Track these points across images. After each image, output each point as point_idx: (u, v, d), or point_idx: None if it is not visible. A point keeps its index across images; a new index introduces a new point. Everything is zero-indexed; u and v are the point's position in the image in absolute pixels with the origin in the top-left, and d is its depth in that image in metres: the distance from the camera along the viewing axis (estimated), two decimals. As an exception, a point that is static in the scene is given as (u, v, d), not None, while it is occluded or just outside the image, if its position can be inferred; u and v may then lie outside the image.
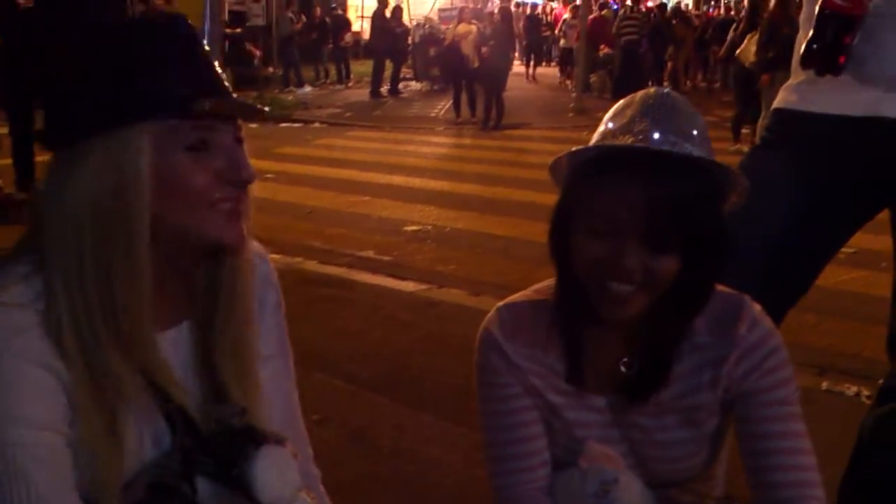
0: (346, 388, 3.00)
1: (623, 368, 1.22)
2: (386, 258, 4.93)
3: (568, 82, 16.93)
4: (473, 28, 12.25)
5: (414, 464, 2.47)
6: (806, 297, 1.68)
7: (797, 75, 1.64)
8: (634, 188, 1.07)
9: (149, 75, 0.96)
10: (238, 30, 14.45)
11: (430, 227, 5.74)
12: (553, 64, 21.62)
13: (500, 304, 1.29)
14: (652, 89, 1.16)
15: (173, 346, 1.07)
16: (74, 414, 0.97)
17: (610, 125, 1.14)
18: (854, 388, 2.95)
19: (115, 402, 0.98)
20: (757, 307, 1.21)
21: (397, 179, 7.55)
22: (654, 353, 1.19)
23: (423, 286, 4.29)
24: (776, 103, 1.68)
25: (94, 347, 0.96)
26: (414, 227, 5.73)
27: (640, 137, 1.09)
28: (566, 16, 18.61)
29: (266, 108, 1.04)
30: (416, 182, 7.51)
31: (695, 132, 1.11)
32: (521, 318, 1.26)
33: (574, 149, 1.13)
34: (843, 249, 1.73)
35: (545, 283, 1.28)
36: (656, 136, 1.08)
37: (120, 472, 1.00)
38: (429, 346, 3.40)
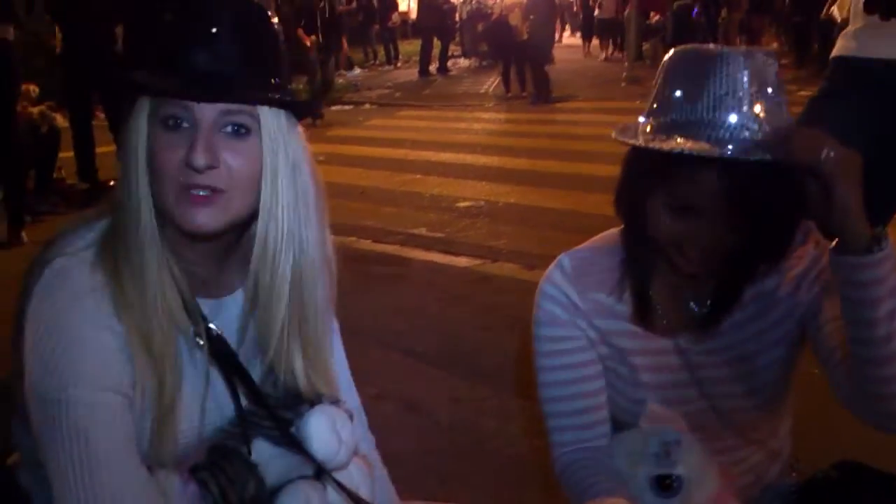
0: (402, 362, 3.03)
1: (694, 307, 1.22)
2: (439, 235, 4.94)
3: (607, 54, 16.40)
4: (519, -1, 12.10)
5: (471, 435, 2.48)
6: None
7: (856, 21, 1.58)
8: (711, 177, 1.05)
9: (159, 51, 0.98)
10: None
11: (482, 203, 5.72)
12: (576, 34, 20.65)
13: (561, 255, 1.28)
14: (712, 47, 1.09)
15: (227, 312, 1.10)
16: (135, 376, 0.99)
17: (678, 94, 1.09)
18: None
19: (164, 367, 1.00)
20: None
21: (448, 157, 7.53)
22: (726, 290, 1.20)
23: (477, 261, 4.29)
24: (835, 51, 1.63)
25: (142, 309, 0.99)
26: (466, 204, 5.72)
27: (714, 133, 1.04)
28: None
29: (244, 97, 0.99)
30: (467, 158, 7.48)
31: (765, 100, 1.05)
32: (586, 263, 1.26)
33: (643, 144, 1.10)
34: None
35: (603, 235, 1.29)
36: (733, 119, 1.04)
37: (174, 435, 1.02)
38: (483, 319, 3.41)
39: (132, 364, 0.98)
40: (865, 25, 1.56)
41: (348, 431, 1.10)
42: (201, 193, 0.96)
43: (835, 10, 7.84)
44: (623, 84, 12.17)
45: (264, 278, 1.05)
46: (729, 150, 1.03)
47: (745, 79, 1.05)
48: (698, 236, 1.09)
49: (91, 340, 0.96)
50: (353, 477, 1.12)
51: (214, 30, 0.96)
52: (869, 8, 1.49)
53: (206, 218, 0.97)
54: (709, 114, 1.05)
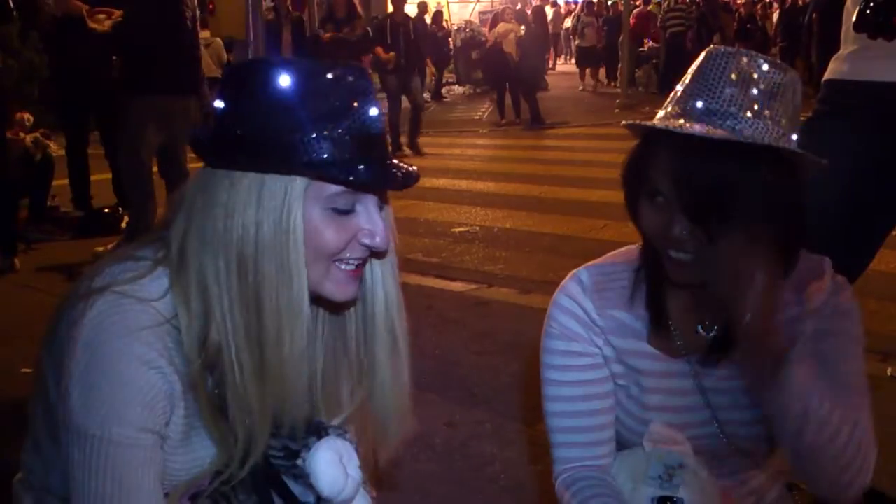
0: (397, 387, 3.00)
1: (702, 331, 1.20)
2: (434, 259, 4.93)
3: (588, 82, 16.16)
4: (513, 26, 12.19)
5: (467, 460, 2.45)
6: (866, 283, 1.64)
7: (847, 45, 1.59)
8: (676, 161, 1.06)
9: (320, 130, 0.96)
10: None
11: (477, 228, 5.73)
12: (570, 60, 20.22)
13: (578, 269, 1.26)
14: (719, 48, 1.10)
15: None
16: (170, 416, 0.99)
17: (678, 88, 1.13)
18: (921, 373, 2.85)
19: (232, 411, 1.00)
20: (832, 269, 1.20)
21: (443, 182, 7.55)
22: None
23: (472, 286, 4.28)
24: (827, 74, 1.64)
25: (231, 372, 0.98)
26: (461, 229, 5.72)
27: (685, 109, 1.07)
28: (578, 13, 17.67)
29: (418, 176, 1.05)
30: (462, 184, 7.50)
31: (753, 103, 1.05)
32: (605, 278, 1.24)
33: (626, 122, 1.15)
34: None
35: (622, 250, 1.27)
36: (699, 104, 1.06)
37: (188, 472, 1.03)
38: (479, 344, 3.39)
39: (171, 404, 0.98)
40: (854, 49, 1.57)
41: (355, 465, 1.10)
42: (361, 269, 1.04)
43: None
44: (616, 110, 12.25)
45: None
46: (687, 127, 1.04)
47: (729, 73, 1.06)
48: (671, 231, 1.07)
49: (140, 380, 0.95)
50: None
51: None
52: (858, 28, 1.50)
53: (356, 291, 1.06)
54: (686, 94, 1.08)
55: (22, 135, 5.67)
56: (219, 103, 0.98)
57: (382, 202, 1.05)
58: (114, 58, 5.55)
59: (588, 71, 16.70)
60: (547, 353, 1.25)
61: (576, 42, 17.42)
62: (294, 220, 0.96)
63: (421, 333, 3.56)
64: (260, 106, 0.95)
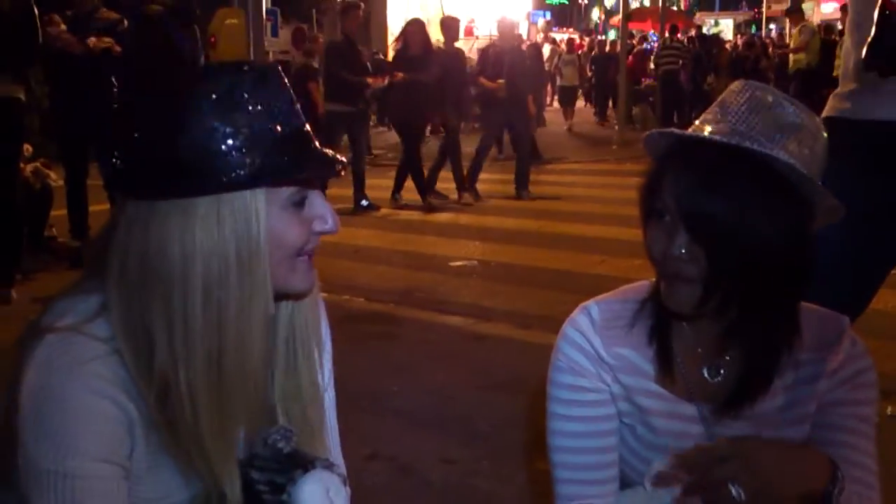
0: (394, 422, 2.98)
1: (706, 375, 1.19)
2: (432, 294, 4.92)
3: (569, 122, 15.73)
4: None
5: (465, 498, 2.43)
6: (867, 321, 1.63)
7: (847, 83, 1.60)
8: (680, 174, 1.07)
9: (262, 144, 0.96)
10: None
11: (475, 262, 5.72)
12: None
13: (588, 302, 1.24)
14: (744, 81, 1.13)
15: None
16: (132, 447, 0.97)
17: (701, 117, 1.15)
18: (921, 413, 2.84)
19: (186, 445, 0.98)
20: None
21: (441, 216, 7.57)
22: (748, 364, 1.16)
23: (470, 320, 4.26)
24: (827, 111, 1.64)
25: (187, 394, 0.96)
26: (459, 263, 5.72)
27: (707, 126, 1.09)
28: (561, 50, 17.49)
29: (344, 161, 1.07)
30: (461, 218, 7.52)
31: (777, 133, 1.06)
32: (615, 314, 1.22)
33: (647, 133, 1.16)
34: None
35: (634, 286, 1.26)
36: (723, 126, 1.08)
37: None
38: (477, 379, 3.37)
39: (130, 434, 0.96)
40: (858, 87, 1.58)
41: (342, 498, 1.08)
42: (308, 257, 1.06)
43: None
44: (614, 147, 12.33)
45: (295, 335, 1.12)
46: (710, 131, 1.07)
47: (742, 102, 1.09)
48: (669, 245, 1.07)
49: (91, 410, 0.93)
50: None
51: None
52: (869, 66, 1.50)
53: (316, 277, 1.09)
54: (711, 125, 1.10)
55: (22, 165, 5.68)
56: (142, 133, 0.97)
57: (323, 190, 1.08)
58: (114, 89, 5.60)
59: (570, 110, 16.47)
60: (554, 386, 1.24)
61: (559, 82, 17.32)
62: (260, 233, 0.97)
63: (418, 368, 3.54)
64: (190, 129, 0.94)
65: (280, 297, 1.06)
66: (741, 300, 1.09)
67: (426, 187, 8.03)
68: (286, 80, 1.02)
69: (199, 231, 0.95)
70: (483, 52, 8.84)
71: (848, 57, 1.56)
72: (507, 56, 8.24)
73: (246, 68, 0.98)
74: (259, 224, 0.97)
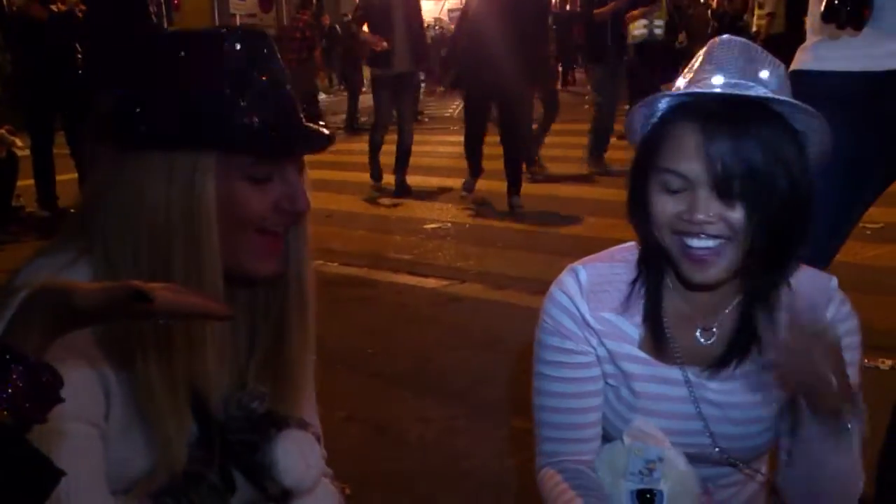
0: (371, 384, 3.00)
1: (700, 337, 1.19)
2: (406, 257, 4.93)
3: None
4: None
5: (442, 456, 2.46)
6: (836, 274, 1.65)
7: (811, 36, 1.61)
8: (695, 134, 1.05)
9: (225, 104, 0.95)
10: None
11: (448, 225, 5.73)
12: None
13: (576, 264, 1.24)
14: (724, 36, 1.13)
15: None
16: (108, 407, 0.97)
17: (680, 80, 1.13)
18: (889, 362, 2.90)
19: (145, 401, 0.98)
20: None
21: (414, 179, 7.53)
22: (740, 323, 1.17)
23: (445, 282, 4.28)
24: (793, 65, 1.65)
25: (136, 348, 0.96)
26: (433, 225, 5.72)
27: (702, 84, 1.07)
28: None
29: (331, 137, 1.05)
30: (434, 181, 7.50)
31: (764, 74, 1.07)
32: (602, 278, 1.21)
33: (639, 104, 1.13)
34: (870, 225, 1.71)
35: (620, 248, 1.25)
36: (717, 79, 1.06)
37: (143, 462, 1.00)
38: (452, 340, 3.39)
39: (106, 394, 0.96)
40: (819, 40, 1.59)
41: (316, 455, 1.09)
42: (281, 242, 1.05)
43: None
44: (586, 106, 12.31)
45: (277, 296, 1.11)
46: (714, 83, 1.05)
47: (739, 53, 1.08)
48: (695, 214, 1.05)
49: (70, 370, 0.92)
50: (320, 501, 1.11)
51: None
52: (827, 18, 1.51)
53: (275, 266, 1.06)
54: (699, 74, 1.09)
55: (-14, 132, 5.57)
56: (117, 84, 0.98)
57: (299, 166, 1.05)
58: (78, 55, 5.48)
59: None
60: (540, 347, 1.25)
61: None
62: (205, 194, 0.96)
63: (394, 330, 3.56)
64: (161, 83, 0.94)
65: (239, 278, 1.04)
66: (761, 257, 1.09)
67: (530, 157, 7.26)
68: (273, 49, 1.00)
69: (150, 182, 0.96)
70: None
71: (813, 11, 1.57)
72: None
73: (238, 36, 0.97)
74: (204, 187, 0.96)
